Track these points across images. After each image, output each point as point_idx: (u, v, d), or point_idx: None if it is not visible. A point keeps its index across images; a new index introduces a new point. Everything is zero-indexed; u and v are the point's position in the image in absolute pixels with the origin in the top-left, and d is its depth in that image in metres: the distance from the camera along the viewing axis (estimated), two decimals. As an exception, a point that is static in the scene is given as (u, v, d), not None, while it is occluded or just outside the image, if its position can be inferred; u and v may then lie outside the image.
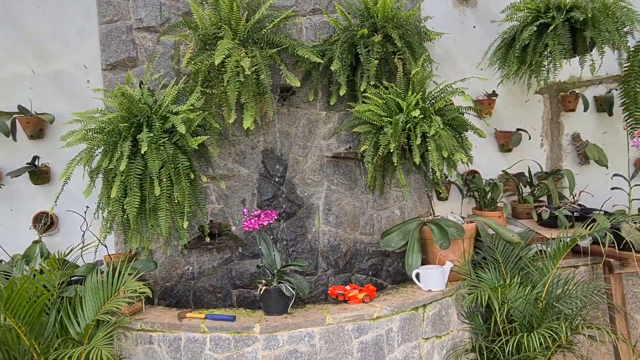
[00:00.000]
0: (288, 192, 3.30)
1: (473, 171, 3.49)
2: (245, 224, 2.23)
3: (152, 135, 2.45)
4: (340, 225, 3.37)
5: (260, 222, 2.23)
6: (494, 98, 3.54)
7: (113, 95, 2.48)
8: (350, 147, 3.32)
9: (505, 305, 2.38)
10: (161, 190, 2.50)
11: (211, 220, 3.19)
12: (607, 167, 3.54)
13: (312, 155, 3.33)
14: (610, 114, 3.68)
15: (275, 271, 2.44)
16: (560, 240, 2.40)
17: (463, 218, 2.75)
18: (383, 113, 2.88)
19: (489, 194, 3.14)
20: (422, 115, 2.70)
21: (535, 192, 3.36)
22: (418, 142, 2.63)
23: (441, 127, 2.63)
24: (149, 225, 2.56)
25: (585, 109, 3.66)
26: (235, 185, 3.23)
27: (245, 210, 2.38)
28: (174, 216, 2.61)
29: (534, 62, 2.87)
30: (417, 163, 2.70)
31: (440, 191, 3.36)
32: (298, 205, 3.32)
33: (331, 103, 3.09)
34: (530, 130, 3.67)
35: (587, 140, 3.69)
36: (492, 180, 3.33)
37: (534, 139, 3.72)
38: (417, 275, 2.44)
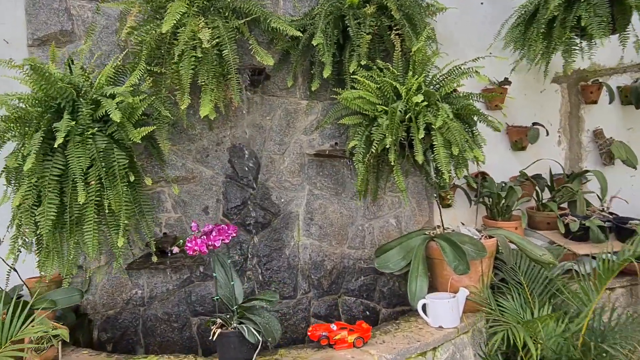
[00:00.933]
0: (261, 198, 2.72)
1: (482, 173, 2.94)
2: (189, 245, 1.65)
3: (74, 124, 1.86)
4: (325, 237, 2.80)
5: (210, 242, 1.64)
6: (506, 87, 3.00)
7: (24, 70, 1.88)
8: (336, 144, 2.74)
9: (538, 346, 1.83)
10: (88, 197, 1.90)
11: (165, 233, 2.60)
12: (635, 168, 3.02)
13: (290, 153, 2.75)
14: (638, 107, 3.17)
15: (235, 307, 1.84)
16: (607, 260, 1.86)
17: (479, 231, 2.20)
18: (377, 100, 2.32)
19: (504, 200, 2.60)
20: (425, 103, 2.14)
21: (555, 197, 2.83)
22: (421, 135, 2.08)
23: (450, 117, 2.08)
24: (72, 242, 1.95)
25: (611, 101, 3.15)
26: (196, 190, 2.64)
27: (193, 224, 1.80)
28: (109, 230, 2.01)
29: (562, 40, 2.32)
30: (420, 162, 2.14)
31: (447, 196, 2.81)
32: (273, 214, 2.73)
33: (313, 89, 2.52)
34: (546, 125, 3.14)
35: (611, 138, 3.17)
36: (506, 183, 2.78)
37: (551, 135, 3.19)
38: (424, 307, 1.89)
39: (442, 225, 2.31)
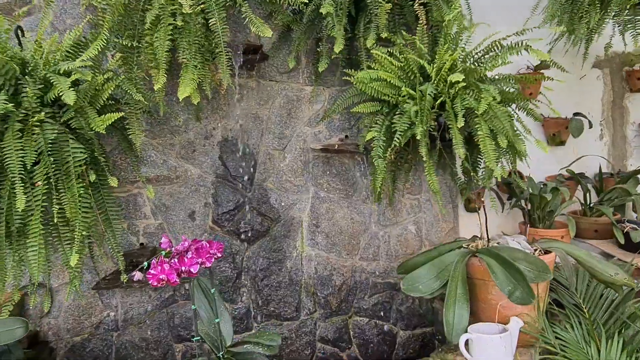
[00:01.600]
0: (258, 202, 2.29)
1: (517, 172, 2.52)
2: (152, 273, 1.20)
3: (13, 108, 1.43)
4: (333, 247, 2.37)
5: (184, 268, 1.19)
6: (543, 72, 2.57)
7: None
8: (347, 137, 2.32)
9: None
10: (34, 201, 1.47)
11: (142, 244, 2.17)
12: (691, 167, 2.59)
13: (292, 149, 2.32)
14: (693, 96, 2.75)
15: (222, 354, 1.38)
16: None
17: (530, 243, 1.77)
18: (400, 83, 1.89)
19: (547, 204, 2.17)
20: (464, 84, 1.72)
21: (604, 200, 2.40)
22: (460, 124, 1.65)
23: (497, 99, 1.66)
24: (16, 258, 1.53)
25: (662, 88, 2.72)
26: (180, 192, 2.21)
27: (164, 240, 1.35)
28: (61, 244, 1.58)
29: (627, 9, 1.90)
30: (462, 156, 1.72)
31: (478, 199, 2.38)
32: (272, 220, 2.31)
33: (320, 70, 2.10)
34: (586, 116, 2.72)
35: (661, 131, 2.75)
36: (545, 184, 2.36)
37: (591, 128, 2.76)
38: (466, 342, 1.47)
39: (487, 236, 1.87)
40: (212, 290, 1.29)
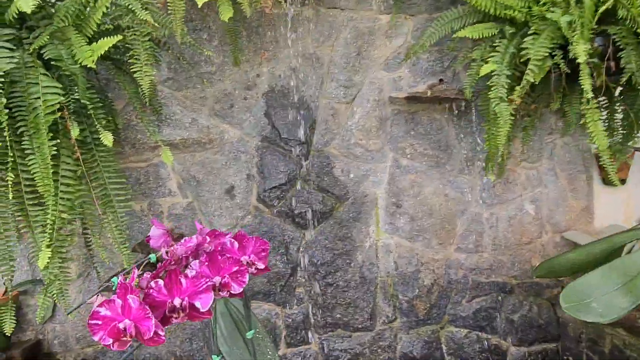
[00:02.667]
0: (318, 173, 1.70)
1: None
2: (99, 315, 0.63)
3: None
4: (420, 234, 1.75)
5: (180, 300, 0.61)
6: None
7: None
8: (441, 81, 1.66)
9: None
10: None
11: (171, 230, 1.64)
12: None
13: (363, 101, 1.71)
14: None
15: None
16: None
17: None
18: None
19: None
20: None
21: None
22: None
23: None
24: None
25: None
26: (215, 161, 1.66)
27: (157, 230, 0.79)
28: (31, 231, 1.06)
29: None
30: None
31: (626, 165, 1.68)
32: (337, 198, 1.72)
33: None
34: None
35: None
36: None
37: None
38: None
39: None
40: (250, 333, 0.70)
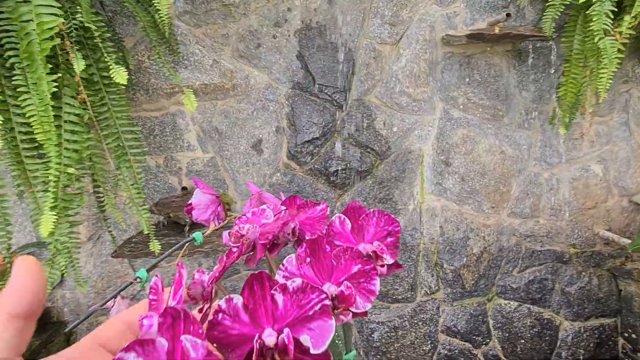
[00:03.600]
0: (357, 126, 1.49)
1: None
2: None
3: None
4: (471, 196, 1.55)
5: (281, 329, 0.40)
6: None
7: None
8: (509, 15, 1.41)
9: None
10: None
11: (184, 188, 1.45)
12: None
13: (411, 41, 1.46)
14: None
15: None
16: None
17: None
18: None
19: None
20: None
21: None
22: None
23: None
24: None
25: None
26: (239, 110, 1.45)
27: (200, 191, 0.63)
28: (32, 189, 0.87)
29: None
30: None
31: None
32: (378, 155, 1.51)
33: None
34: None
35: None
36: None
37: None
38: None
39: None
40: (350, 355, 0.49)
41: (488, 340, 1.62)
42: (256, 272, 0.25)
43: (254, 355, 0.24)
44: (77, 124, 0.89)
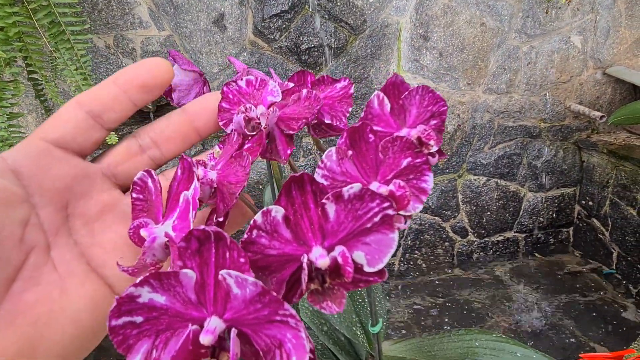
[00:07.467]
0: (330, -5, 1.34)
1: None
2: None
3: None
4: (448, 73, 1.49)
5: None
6: None
7: None
8: None
9: None
10: None
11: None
12: None
13: None
14: None
15: None
16: None
17: None
18: None
19: None
20: None
21: None
22: None
23: None
24: None
25: None
26: (194, -23, 1.25)
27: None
28: None
29: None
30: None
31: None
32: (352, 29, 1.39)
33: None
34: None
35: None
36: None
37: None
38: None
39: None
40: (376, 328, 0.44)
41: (457, 214, 1.69)
42: (299, 174, 0.19)
43: (303, 279, 0.18)
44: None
